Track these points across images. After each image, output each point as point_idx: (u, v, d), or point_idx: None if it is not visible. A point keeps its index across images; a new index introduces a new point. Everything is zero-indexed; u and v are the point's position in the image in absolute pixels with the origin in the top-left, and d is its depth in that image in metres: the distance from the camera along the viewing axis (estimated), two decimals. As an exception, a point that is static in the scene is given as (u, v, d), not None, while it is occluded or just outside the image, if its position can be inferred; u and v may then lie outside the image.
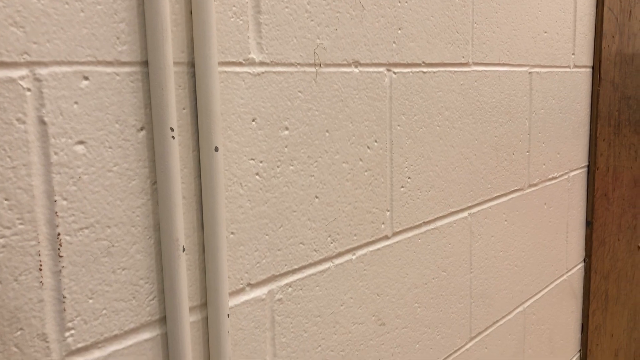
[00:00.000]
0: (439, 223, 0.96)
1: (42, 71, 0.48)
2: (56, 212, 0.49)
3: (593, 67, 1.43)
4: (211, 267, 0.61)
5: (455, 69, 0.96)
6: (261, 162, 0.67)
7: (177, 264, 0.57)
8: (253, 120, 0.65)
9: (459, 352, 1.05)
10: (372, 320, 0.85)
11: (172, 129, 0.55)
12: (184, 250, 0.58)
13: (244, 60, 0.63)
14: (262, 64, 0.65)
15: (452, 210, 0.99)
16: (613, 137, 1.52)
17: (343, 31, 0.74)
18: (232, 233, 0.64)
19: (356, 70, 0.77)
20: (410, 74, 0.87)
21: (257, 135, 0.66)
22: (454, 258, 1.01)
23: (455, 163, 0.99)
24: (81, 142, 0.51)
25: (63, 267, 0.50)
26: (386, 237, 0.86)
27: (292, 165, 0.70)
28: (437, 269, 0.97)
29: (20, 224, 0.47)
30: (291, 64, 0.69)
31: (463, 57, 0.97)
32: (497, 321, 1.16)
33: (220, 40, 0.61)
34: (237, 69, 0.63)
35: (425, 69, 0.89)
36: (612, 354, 1.66)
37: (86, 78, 0.51)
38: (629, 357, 1.76)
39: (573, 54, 1.34)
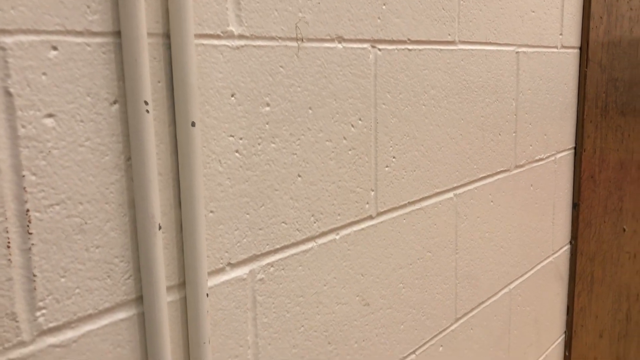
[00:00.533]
0: (424, 203, 0.95)
1: (7, 40, 0.45)
2: (24, 188, 0.47)
3: (581, 48, 1.42)
4: (189, 245, 0.60)
5: (442, 47, 0.95)
6: (241, 139, 0.65)
7: (153, 242, 0.55)
8: (232, 96, 0.63)
9: (444, 333, 1.04)
10: (356, 300, 0.84)
11: (146, 103, 0.53)
12: (160, 228, 0.56)
13: (222, 32, 0.61)
14: (241, 37, 0.63)
15: (438, 190, 0.98)
16: (600, 119, 1.52)
17: (326, 5, 0.73)
18: (211, 211, 0.63)
19: (340, 45, 0.76)
20: (396, 51, 0.85)
21: (237, 111, 0.64)
22: (440, 239, 1.00)
23: (441, 143, 0.97)
24: (50, 115, 0.49)
25: (33, 244, 0.48)
26: (370, 217, 0.85)
27: (273, 143, 0.69)
28: (422, 250, 0.96)
29: (-14, 199, 0.45)
30: (272, 38, 0.67)
31: (449, 34, 0.96)
32: (483, 302, 1.16)
33: (197, 11, 0.59)
34: (215, 41, 0.61)
35: (410, 46, 0.88)
36: (597, 335, 1.68)
37: (55, 48, 0.48)
38: (614, 339, 1.78)
39: (561, 34, 1.33)
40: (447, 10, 0.94)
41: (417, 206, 0.94)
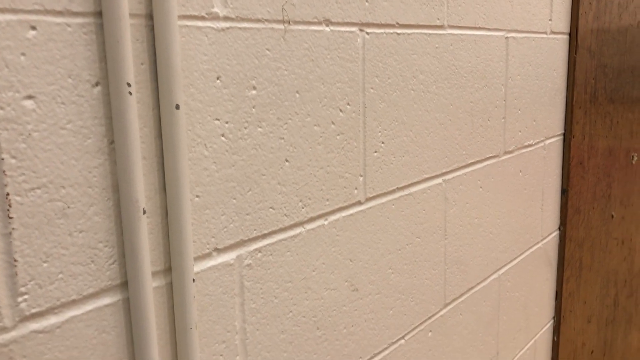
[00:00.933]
0: (413, 189, 0.95)
1: (-17, 18, 0.44)
2: (4, 171, 0.47)
3: (570, 34, 1.41)
4: (175, 230, 0.59)
5: (430, 32, 0.94)
6: (227, 122, 0.64)
7: (138, 227, 0.55)
8: (217, 79, 0.62)
9: (433, 319, 1.05)
10: (344, 286, 0.84)
11: (129, 85, 0.52)
12: (144, 212, 0.55)
13: (206, 14, 0.60)
14: (226, 18, 0.62)
15: (427, 176, 0.98)
16: (589, 105, 1.52)
17: (313, -13, 0.72)
18: (197, 196, 0.62)
19: (327, 29, 0.75)
20: (384, 34, 0.84)
21: (222, 95, 0.63)
22: (428, 224, 1.00)
23: (430, 128, 0.97)
24: (30, 97, 0.48)
25: (14, 229, 0.48)
26: (359, 203, 0.84)
27: (260, 127, 0.68)
28: (411, 235, 0.96)
29: (-35, 182, 0.44)
30: (258, 20, 0.66)
31: (438, 19, 0.95)
32: (472, 288, 1.16)
33: (180, -8, 0.57)
34: (200, 23, 0.60)
35: (399, 30, 0.87)
36: (585, 320, 1.69)
37: (33, 28, 0.47)
38: (601, 324, 1.79)
39: (550, 19, 1.32)
40: (436, -6, 0.94)
41: (406, 192, 0.94)
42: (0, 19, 0.45)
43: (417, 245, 0.98)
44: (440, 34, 0.96)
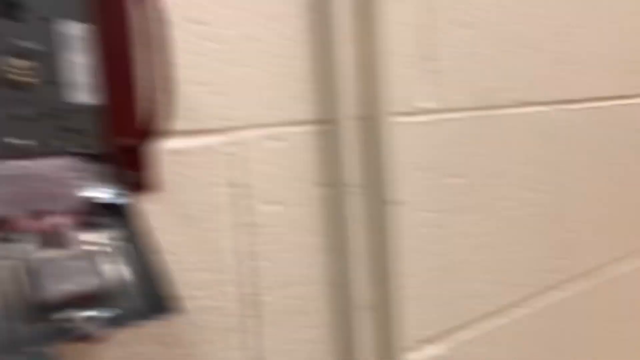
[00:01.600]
0: (618, 269, 0.87)
1: (243, 134, 0.49)
2: (252, 272, 0.50)
3: None
4: (385, 323, 0.59)
5: (626, 102, 0.88)
6: (433, 212, 0.64)
7: (355, 321, 0.55)
8: (423, 169, 0.63)
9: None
10: (550, 379, 0.77)
11: (348, 184, 0.55)
12: (360, 307, 0.56)
13: (415, 109, 0.62)
14: (432, 111, 0.63)
15: (631, 256, 0.90)
16: None
17: (512, 72, 0.71)
18: (406, 288, 0.62)
19: (525, 110, 0.73)
20: (582, 110, 0.81)
21: (427, 184, 0.63)
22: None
23: (629, 204, 0.90)
24: (272, 202, 0.51)
25: (262, 327, 0.50)
26: (562, 288, 0.79)
27: (464, 214, 0.67)
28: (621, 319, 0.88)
29: (217, 285, 0.48)
30: (461, 109, 0.66)
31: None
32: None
33: (393, 90, 0.59)
34: (410, 118, 0.61)
35: (596, 104, 0.83)
36: None
37: (275, 139, 0.51)
38: None
39: None
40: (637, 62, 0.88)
41: (608, 273, 0.86)
42: (251, 134, 0.50)
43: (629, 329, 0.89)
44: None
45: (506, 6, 0.70)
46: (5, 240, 0.34)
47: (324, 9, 0.52)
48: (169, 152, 0.44)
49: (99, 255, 0.36)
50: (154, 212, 0.43)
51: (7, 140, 0.36)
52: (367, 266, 0.58)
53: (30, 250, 0.34)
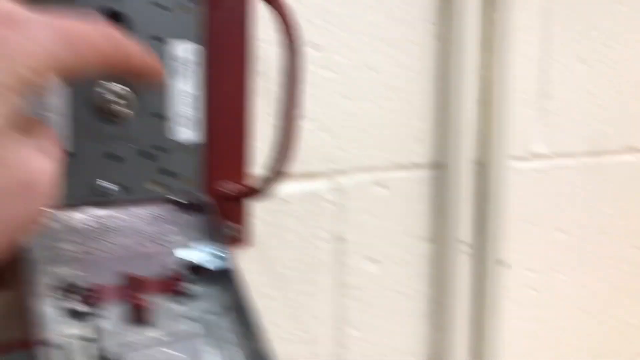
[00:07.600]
0: None
1: (347, 179, 0.42)
2: (344, 343, 0.42)
3: None
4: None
5: None
6: (535, 271, 0.56)
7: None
8: (531, 223, 0.55)
9: None
10: None
11: (461, 241, 0.47)
12: (467, 385, 0.48)
13: (528, 154, 0.54)
14: (544, 156, 0.56)
15: None
16: None
17: (621, 116, 0.63)
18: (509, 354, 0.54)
19: (637, 156, 0.65)
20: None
21: (534, 239, 0.56)
22: None
23: None
24: (374, 260, 0.44)
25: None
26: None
27: (563, 274, 0.59)
28: None
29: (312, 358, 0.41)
30: (571, 155, 0.58)
31: None
32: None
33: (511, 131, 0.52)
34: (523, 164, 0.53)
35: None
36: None
37: (381, 185, 0.44)
38: None
39: None
40: None
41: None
42: (356, 180, 0.42)
43: None
44: None
45: (628, 45, 0.62)
46: (86, 315, 0.27)
47: (450, 36, 0.45)
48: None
49: (197, 339, 0.29)
50: (248, 271, 0.36)
51: (99, 183, 0.29)
52: (469, 343, 0.50)
53: (114, 331, 0.27)
